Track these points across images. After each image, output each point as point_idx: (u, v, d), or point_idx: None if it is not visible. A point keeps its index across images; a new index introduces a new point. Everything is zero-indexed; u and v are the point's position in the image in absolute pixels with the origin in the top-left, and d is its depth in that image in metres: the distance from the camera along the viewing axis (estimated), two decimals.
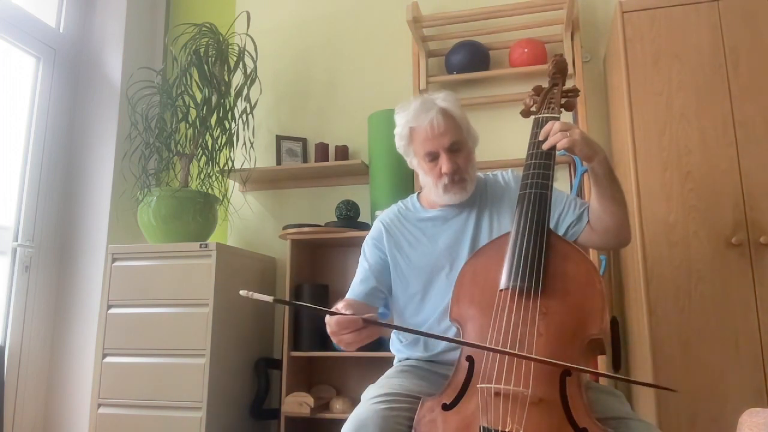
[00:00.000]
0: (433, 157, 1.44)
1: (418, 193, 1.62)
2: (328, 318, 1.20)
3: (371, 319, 1.18)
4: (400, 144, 1.51)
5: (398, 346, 1.54)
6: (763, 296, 1.84)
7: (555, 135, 1.30)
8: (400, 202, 1.62)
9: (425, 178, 1.49)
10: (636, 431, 1.17)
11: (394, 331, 1.56)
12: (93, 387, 2.39)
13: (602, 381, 2.10)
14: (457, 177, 1.44)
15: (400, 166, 2.47)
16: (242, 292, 1.10)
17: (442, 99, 1.46)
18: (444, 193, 1.45)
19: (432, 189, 1.48)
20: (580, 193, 2.36)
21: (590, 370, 1.12)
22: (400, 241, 1.51)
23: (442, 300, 1.42)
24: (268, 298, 1.08)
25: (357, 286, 1.51)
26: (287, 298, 2.43)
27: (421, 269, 1.47)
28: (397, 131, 1.51)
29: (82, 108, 2.84)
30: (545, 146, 1.33)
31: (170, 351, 2.24)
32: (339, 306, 1.22)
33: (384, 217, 1.58)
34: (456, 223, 1.49)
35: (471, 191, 1.47)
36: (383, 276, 1.51)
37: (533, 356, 1.10)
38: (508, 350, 1.13)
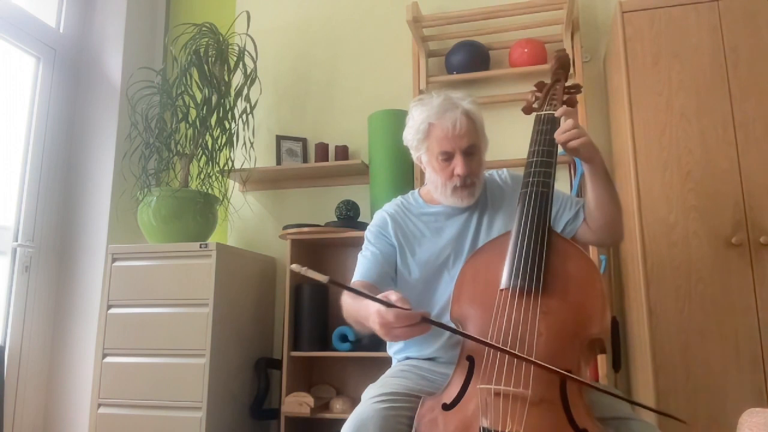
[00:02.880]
0: (447, 157, 1.42)
1: (419, 189, 1.61)
2: (383, 309, 1.08)
3: (429, 318, 1.10)
4: (414, 137, 1.46)
5: (395, 348, 1.54)
6: (763, 296, 1.84)
7: (571, 131, 1.30)
8: (400, 197, 1.60)
9: (434, 176, 1.46)
10: (636, 431, 1.17)
11: None
12: (93, 387, 2.39)
13: (603, 381, 2.10)
14: (469, 181, 1.43)
15: (400, 166, 2.49)
16: (294, 267, 1.00)
17: (467, 102, 1.43)
18: (452, 195, 1.44)
19: (439, 188, 1.46)
20: (580, 193, 2.36)
21: (592, 384, 1.11)
22: (405, 232, 1.51)
23: (443, 296, 1.42)
24: (324, 278, 0.98)
25: (369, 269, 1.45)
26: (287, 299, 2.43)
27: (424, 263, 1.47)
28: (412, 124, 1.46)
29: (82, 108, 2.84)
30: (559, 139, 1.32)
31: (170, 351, 2.24)
32: (393, 298, 1.09)
33: (387, 207, 1.57)
34: (459, 220, 1.49)
35: (477, 196, 1.47)
36: (392, 260, 1.49)
37: (533, 359, 1.10)
38: (510, 350, 1.13)
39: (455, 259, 1.44)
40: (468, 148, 1.42)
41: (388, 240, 1.51)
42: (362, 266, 1.48)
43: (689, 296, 1.89)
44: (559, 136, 1.33)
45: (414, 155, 1.51)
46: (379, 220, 1.55)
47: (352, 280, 1.46)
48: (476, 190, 1.46)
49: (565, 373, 1.08)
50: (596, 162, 1.35)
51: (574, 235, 1.47)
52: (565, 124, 1.33)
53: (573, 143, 1.29)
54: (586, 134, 1.31)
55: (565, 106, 1.38)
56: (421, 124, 1.44)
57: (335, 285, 1.00)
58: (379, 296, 1.10)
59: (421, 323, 1.09)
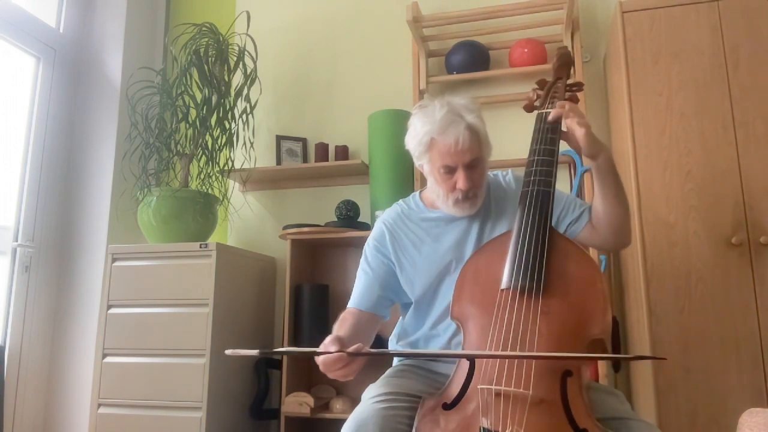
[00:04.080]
0: (449, 170, 1.39)
1: (420, 192, 1.59)
2: (316, 358, 1.19)
3: (356, 351, 1.16)
4: (416, 148, 1.43)
5: (395, 347, 1.53)
6: (763, 296, 1.84)
7: (565, 110, 1.33)
8: (401, 201, 1.58)
9: (436, 186, 1.44)
10: (636, 431, 1.17)
11: (394, 331, 1.55)
12: (93, 387, 2.39)
13: (603, 381, 2.10)
14: (471, 193, 1.41)
15: (400, 166, 2.49)
16: (228, 352, 1.10)
17: (472, 115, 1.39)
18: (453, 206, 1.42)
19: (441, 198, 1.44)
20: (580, 193, 2.36)
21: (584, 355, 1.12)
22: (403, 242, 1.49)
23: (444, 300, 1.41)
24: (254, 353, 1.08)
25: (361, 295, 1.47)
26: (287, 299, 2.43)
27: (426, 270, 1.45)
28: (414, 134, 1.43)
29: (82, 108, 2.84)
30: (551, 118, 1.35)
31: (170, 351, 2.24)
32: (326, 342, 1.20)
33: (386, 217, 1.54)
34: (461, 225, 1.47)
35: (480, 205, 1.45)
36: (388, 281, 1.48)
37: (528, 353, 1.10)
38: (506, 353, 1.13)
39: (457, 264, 1.42)
40: (471, 162, 1.39)
41: (385, 258, 1.49)
42: (357, 289, 1.49)
43: (689, 296, 1.89)
44: (551, 116, 1.36)
45: (416, 162, 1.49)
46: (377, 233, 1.53)
47: (348, 305, 1.48)
48: (478, 200, 1.44)
49: (558, 354, 1.08)
50: (601, 159, 1.32)
51: (576, 237, 1.45)
52: (566, 107, 1.34)
53: (572, 122, 1.30)
54: (584, 121, 1.31)
55: (561, 103, 1.36)
56: (423, 137, 1.40)
57: (268, 354, 1.06)
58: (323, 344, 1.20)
59: (355, 359, 1.17)
